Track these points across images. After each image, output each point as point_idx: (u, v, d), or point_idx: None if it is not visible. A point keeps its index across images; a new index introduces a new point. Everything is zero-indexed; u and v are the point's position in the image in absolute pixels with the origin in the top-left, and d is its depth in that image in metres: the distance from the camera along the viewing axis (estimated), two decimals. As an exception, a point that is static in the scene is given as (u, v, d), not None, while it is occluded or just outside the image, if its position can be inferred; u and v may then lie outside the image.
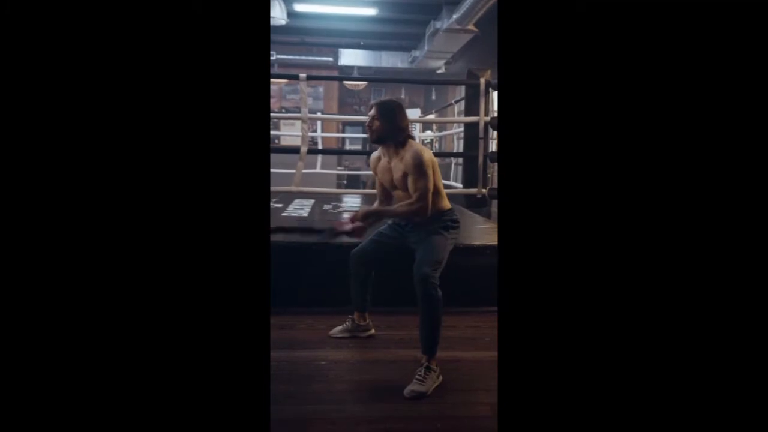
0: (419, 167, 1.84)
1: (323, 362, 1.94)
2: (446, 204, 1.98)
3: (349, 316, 2.18)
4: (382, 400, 1.67)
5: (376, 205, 2.10)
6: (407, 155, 1.86)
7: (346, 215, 2.00)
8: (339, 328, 2.18)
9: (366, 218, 1.92)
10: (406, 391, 1.69)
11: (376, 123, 1.89)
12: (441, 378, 1.78)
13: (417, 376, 1.74)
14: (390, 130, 1.89)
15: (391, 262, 2.08)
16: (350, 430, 1.48)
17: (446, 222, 1.94)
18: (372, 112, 1.91)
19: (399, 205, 1.92)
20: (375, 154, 2.04)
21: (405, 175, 1.88)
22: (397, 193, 1.97)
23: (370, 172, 2.12)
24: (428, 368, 1.76)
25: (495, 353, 1.92)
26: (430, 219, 1.91)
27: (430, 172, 1.86)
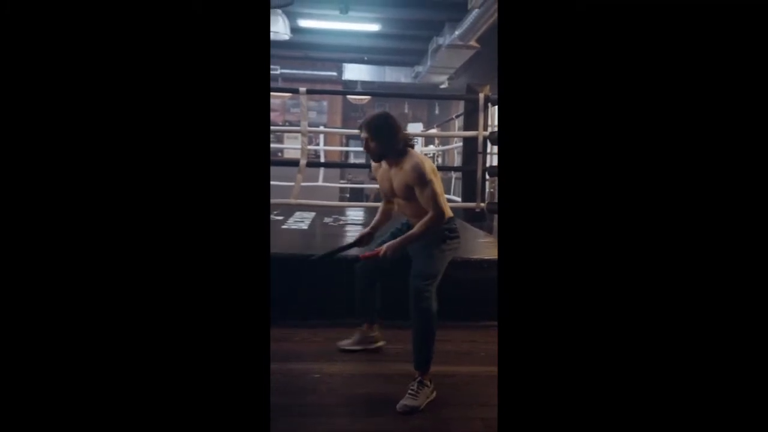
0: (421, 178, 1.80)
1: (317, 375, 1.93)
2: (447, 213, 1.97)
3: (359, 328, 2.16)
4: (375, 414, 1.66)
5: (379, 212, 2.09)
6: (407, 166, 1.83)
7: (374, 249, 1.92)
8: (348, 341, 2.16)
9: (395, 253, 1.85)
10: (399, 405, 1.68)
11: (371, 144, 1.85)
12: (435, 393, 1.76)
13: (410, 391, 1.72)
14: (387, 145, 1.85)
15: (396, 273, 2.07)
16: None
17: (444, 232, 1.89)
18: (363, 134, 1.86)
19: (419, 226, 1.85)
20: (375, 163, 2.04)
21: (406, 186, 1.85)
22: (398, 201, 1.96)
23: (374, 186, 2.13)
24: (421, 383, 1.74)
25: (491, 368, 1.92)
26: None
27: (434, 178, 1.82)
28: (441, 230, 1.90)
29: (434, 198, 1.80)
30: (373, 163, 2.04)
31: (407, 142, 1.88)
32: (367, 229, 2.08)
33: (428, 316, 1.77)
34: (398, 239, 1.87)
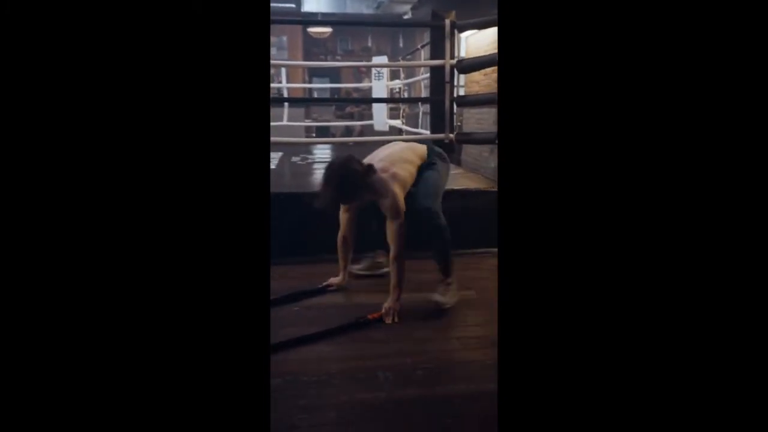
0: (395, 210, 1.87)
1: (296, 308, 1.97)
2: (423, 151, 2.11)
3: (368, 254, 2.32)
4: (354, 340, 1.72)
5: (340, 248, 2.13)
6: (386, 202, 1.87)
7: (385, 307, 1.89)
8: (359, 265, 2.31)
9: (397, 311, 1.86)
10: (435, 299, 1.93)
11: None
12: (458, 294, 2.00)
13: (439, 292, 1.96)
14: (354, 192, 1.84)
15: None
16: (320, 368, 1.53)
17: (431, 162, 2.08)
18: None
19: (394, 272, 1.88)
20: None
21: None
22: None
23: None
24: (449, 284, 1.99)
25: (465, 293, 2.00)
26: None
27: (401, 213, 1.87)
28: (428, 162, 2.08)
29: (398, 234, 1.87)
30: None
31: (368, 174, 1.86)
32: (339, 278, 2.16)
33: (442, 230, 1.96)
34: (395, 298, 1.88)
